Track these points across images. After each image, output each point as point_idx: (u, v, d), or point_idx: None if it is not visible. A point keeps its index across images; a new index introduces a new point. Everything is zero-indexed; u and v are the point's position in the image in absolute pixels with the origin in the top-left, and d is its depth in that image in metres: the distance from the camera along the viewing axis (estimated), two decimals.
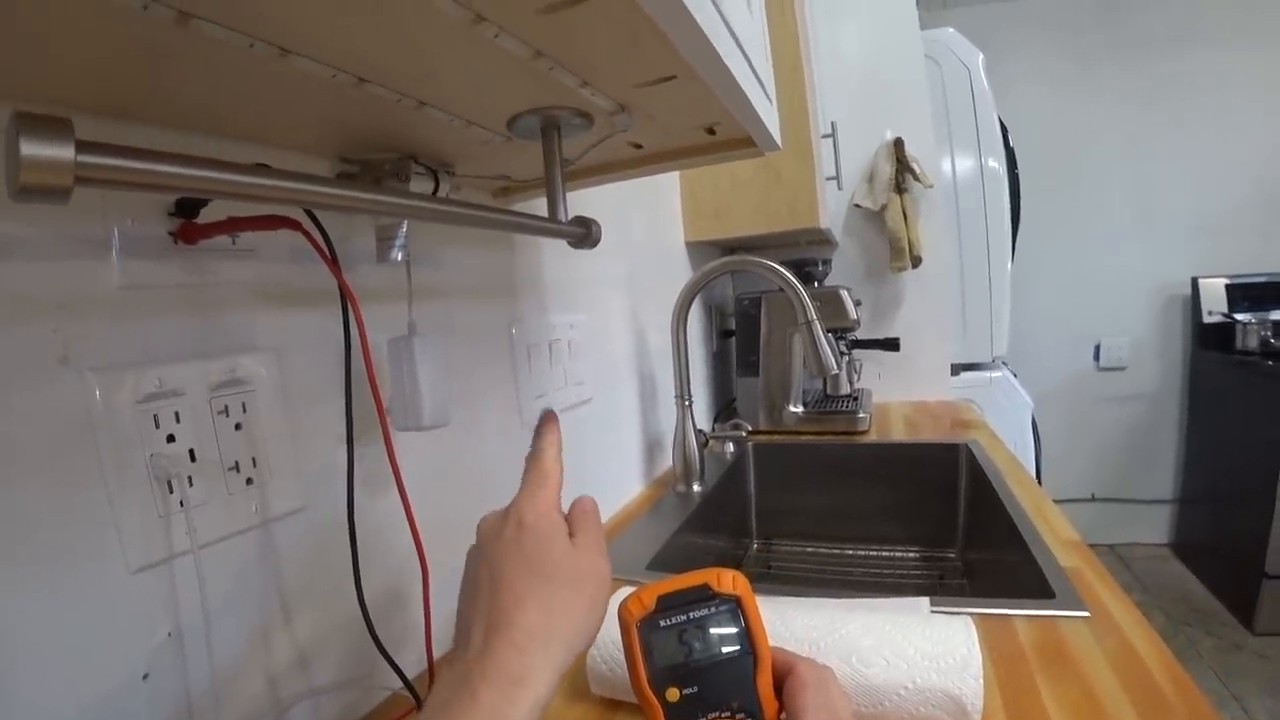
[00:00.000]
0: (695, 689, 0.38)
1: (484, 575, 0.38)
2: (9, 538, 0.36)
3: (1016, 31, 3.03)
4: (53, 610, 0.38)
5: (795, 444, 1.46)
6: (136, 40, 0.32)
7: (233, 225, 0.45)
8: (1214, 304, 2.75)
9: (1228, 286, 2.74)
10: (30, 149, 0.21)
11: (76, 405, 0.40)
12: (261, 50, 0.35)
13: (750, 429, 1.38)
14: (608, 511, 1.10)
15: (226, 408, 0.48)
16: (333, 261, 0.44)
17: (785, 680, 0.38)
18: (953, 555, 1.27)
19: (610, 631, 0.57)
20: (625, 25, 0.37)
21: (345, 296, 0.46)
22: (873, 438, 1.45)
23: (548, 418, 0.45)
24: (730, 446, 1.38)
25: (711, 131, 0.62)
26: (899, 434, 1.47)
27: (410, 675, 0.56)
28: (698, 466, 1.14)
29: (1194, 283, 2.83)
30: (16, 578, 0.37)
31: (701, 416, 1.55)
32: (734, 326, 1.60)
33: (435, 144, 0.56)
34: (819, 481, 1.39)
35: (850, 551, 1.32)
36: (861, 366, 1.74)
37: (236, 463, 0.49)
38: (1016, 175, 2.29)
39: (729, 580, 0.40)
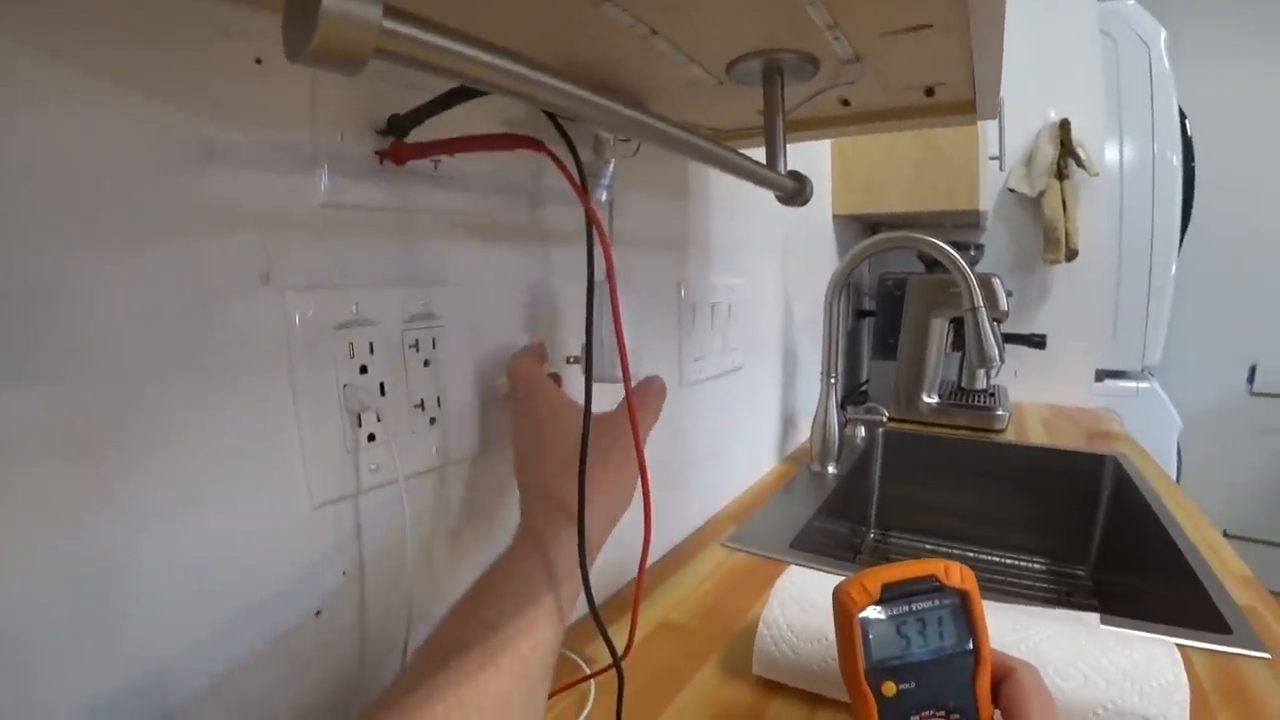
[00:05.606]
0: (912, 684, 0.37)
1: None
2: (204, 457, 0.35)
3: (1202, 7, 2.71)
4: (236, 539, 0.37)
5: (927, 435, 1.40)
6: None
7: (462, 145, 0.41)
8: None
9: None
10: (332, 3, 0.18)
11: (276, 326, 0.38)
12: None
13: (887, 415, 1.32)
14: (744, 483, 1.08)
15: (417, 341, 0.47)
16: (582, 189, 0.40)
17: (1003, 683, 0.37)
18: (1082, 573, 1.18)
19: (784, 612, 0.55)
20: None
21: (592, 225, 0.40)
22: (1009, 437, 1.36)
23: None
24: (862, 431, 1.33)
25: (930, 93, 0.57)
26: (1037, 437, 1.37)
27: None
28: (836, 448, 1.10)
29: None
30: (207, 497, 0.35)
31: None
32: (871, 306, 1.52)
33: (637, 82, 0.53)
34: (947, 477, 1.32)
35: (970, 554, 1.25)
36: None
37: (422, 400, 0.47)
38: (1193, 169, 2.07)
39: (957, 573, 0.38)
